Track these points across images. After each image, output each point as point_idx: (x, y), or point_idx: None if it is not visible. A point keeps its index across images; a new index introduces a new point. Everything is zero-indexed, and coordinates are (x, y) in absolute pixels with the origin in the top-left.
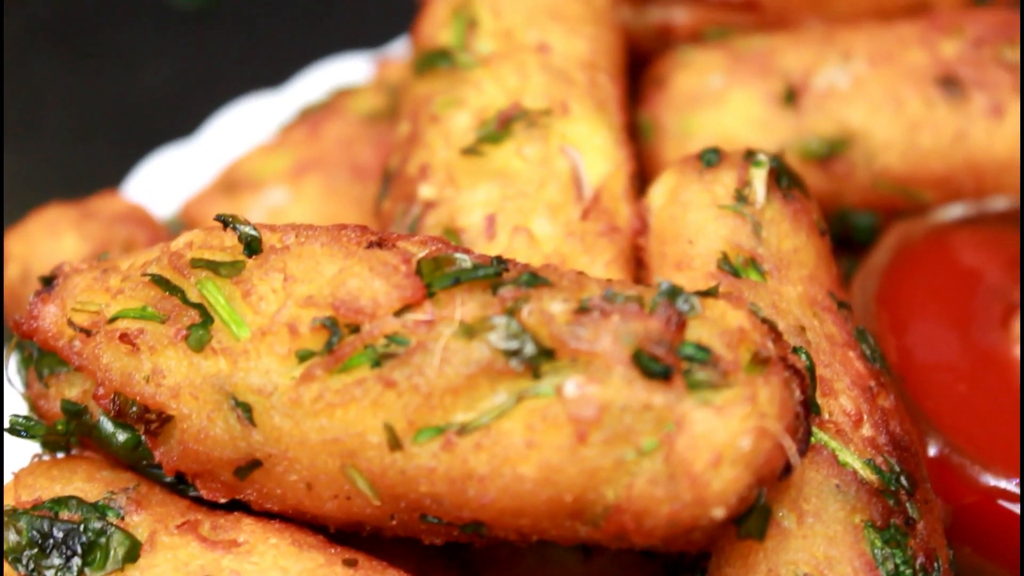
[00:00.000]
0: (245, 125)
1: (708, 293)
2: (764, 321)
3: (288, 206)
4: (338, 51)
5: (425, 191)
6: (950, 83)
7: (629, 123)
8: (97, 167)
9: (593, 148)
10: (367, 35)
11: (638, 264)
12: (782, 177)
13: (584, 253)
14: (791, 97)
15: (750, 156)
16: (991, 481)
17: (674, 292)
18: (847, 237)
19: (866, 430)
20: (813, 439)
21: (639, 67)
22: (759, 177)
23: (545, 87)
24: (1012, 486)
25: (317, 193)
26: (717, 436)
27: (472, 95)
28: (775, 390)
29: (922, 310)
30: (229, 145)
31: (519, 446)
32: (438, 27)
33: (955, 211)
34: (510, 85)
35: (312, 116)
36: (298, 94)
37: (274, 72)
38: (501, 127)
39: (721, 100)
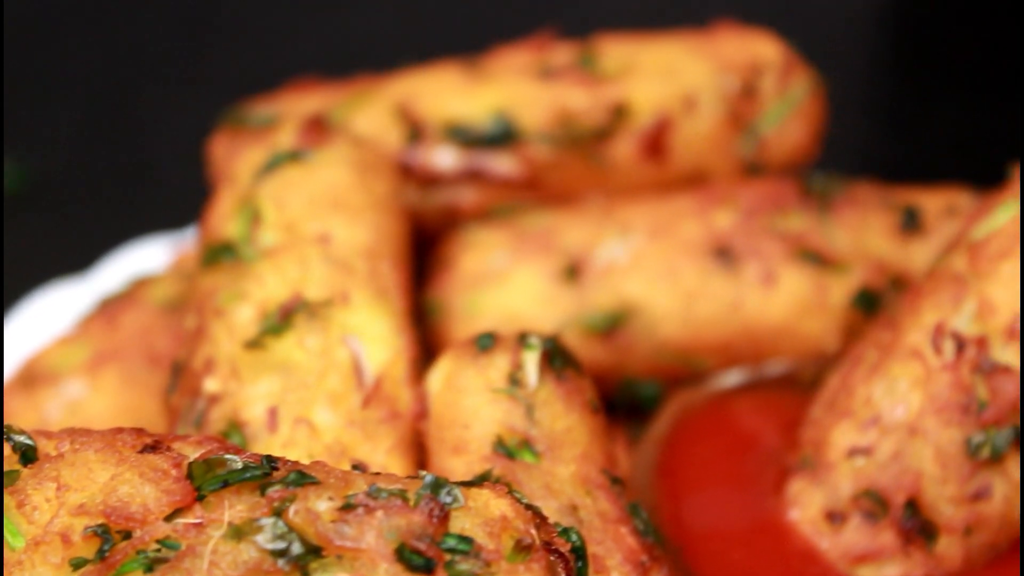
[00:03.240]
0: (46, 314)
1: (473, 483)
2: (528, 507)
3: (87, 399)
4: (150, 231)
5: (210, 385)
6: (724, 253)
7: (414, 307)
8: None
9: (373, 336)
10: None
11: (421, 449)
12: (555, 358)
13: (365, 441)
14: (573, 273)
15: (523, 339)
16: None
17: (438, 484)
18: (635, 407)
19: None
20: None
21: (428, 247)
22: (531, 360)
23: (326, 278)
24: None
25: (116, 384)
26: None
27: (255, 288)
28: None
29: (700, 478)
30: (29, 337)
31: None
32: (224, 220)
33: (734, 377)
34: (291, 277)
35: (110, 306)
36: (101, 281)
37: (82, 256)
38: (282, 319)
39: (505, 278)
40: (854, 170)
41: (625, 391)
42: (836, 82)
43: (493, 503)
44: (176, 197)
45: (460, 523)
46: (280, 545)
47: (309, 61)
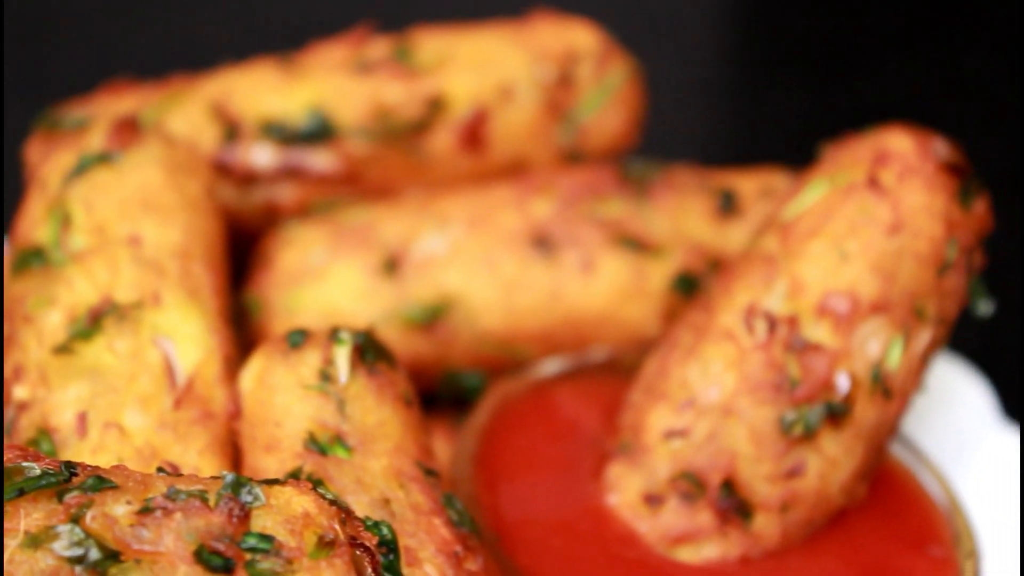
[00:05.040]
0: None
1: (276, 481)
2: (333, 503)
3: None
4: None
5: (19, 392)
6: (543, 242)
7: (228, 306)
8: None
9: (185, 336)
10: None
11: (236, 448)
12: (367, 352)
13: (177, 442)
14: (392, 266)
15: (334, 334)
16: None
17: (238, 483)
18: (458, 398)
19: None
20: None
21: (248, 246)
22: (342, 355)
23: (136, 280)
24: None
25: None
26: None
27: (63, 292)
28: (339, 572)
29: (519, 466)
30: None
31: None
32: (33, 225)
33: (555, 365)
34: (101, 280)
35: None
36: None
37: None
38: (91, 323)
39: (324, 274)
40: (679, 156)
41: (448, 383)
42: (663, 69)
43: (295, 500)
44: None
45: (262, 522)
46: (77, 552)
47: (124, 63)
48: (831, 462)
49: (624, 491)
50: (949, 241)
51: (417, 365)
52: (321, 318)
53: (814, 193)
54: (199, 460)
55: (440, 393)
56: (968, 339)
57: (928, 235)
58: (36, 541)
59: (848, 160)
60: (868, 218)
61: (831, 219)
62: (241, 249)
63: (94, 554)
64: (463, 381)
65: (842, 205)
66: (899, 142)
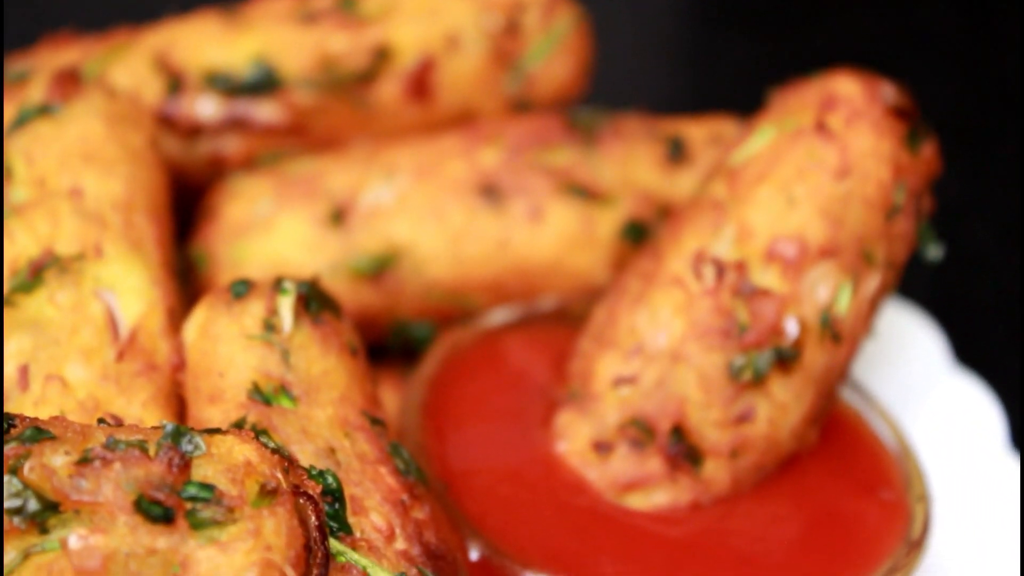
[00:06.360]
0: None
1: (217, 431)
2: (275, 451)
3: None
4: None
5: None
6: (490, 191)
7: (173, 258)
8: None
9: (128, 288)
10: None
11: (181, 401)
12: (312, 301)
13: (120, 395)
14: (338, 217)
15: (277, 284)
16: None
17: (178, 433)
18: (408, 349)
19: (399, 544)
20: (343, 559)
21: (194, 198)
22: (286, 305)
23: (78, 231)
24: None
25: None
26: (222, 573)
27: (4, 245)
28: (281, 520)
29: (469, 415)
30: None
31: None
32: None
33: (504, 315)
34: (42, 232)
35: None
36: None
37: None
38: (32, 276)
39: (270, 226)
40: (628, 105)
41: (397, 333)
42: (611, 17)
43: (237, 449)
44: None
45: (202, 471)
46: (15, 503)
47: (66, 16)
48: (781, 407)
49: (573, 439)
50: (897, 185)
51: (366, 316)
52: (268, 270)
53: (762, 139)
54: (143, 412)
55: (390, 344)
56: (920, 286)
57: (876, 179)
58: None
59: (796, 105)
60: (816, 163)
61: (779, 164)
62: (187, 202)
63: (32, 505)
64: (412, 332)
65: (790, 150)
66: (846, 86)
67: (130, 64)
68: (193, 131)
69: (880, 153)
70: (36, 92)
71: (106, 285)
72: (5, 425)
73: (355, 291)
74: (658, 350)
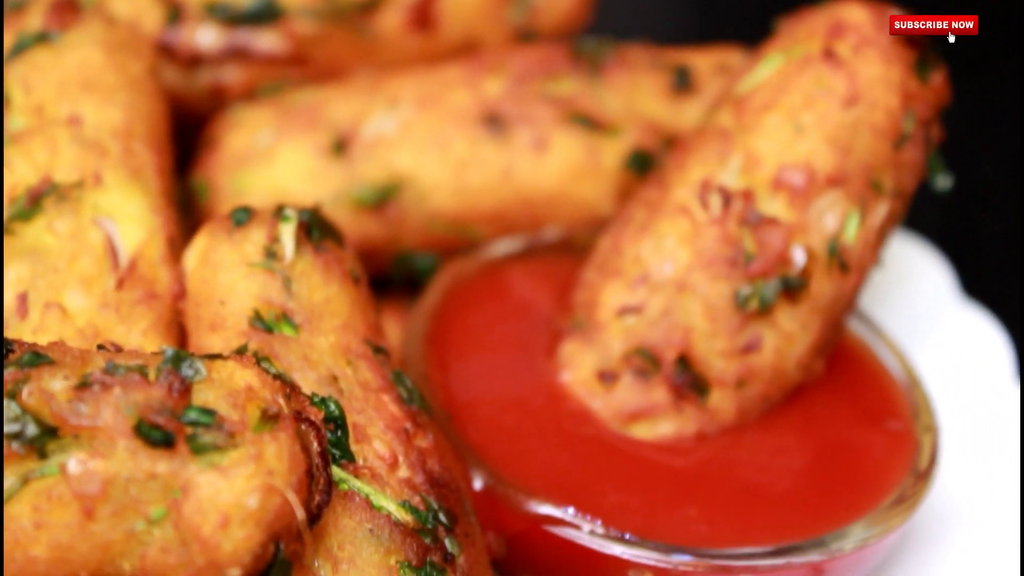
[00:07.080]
0: None
1: (218, 356)
2: (277, 377)
3: None
4: None
5: None
6: (494, 121)
7: (173, 187)
8: None
9: (127, 216)
10: None
11: (182, 329)
12: (313, 229)
13: (120, 323)
14: (340, 147)
15: (279, 212)
16: (537, 508)
17: (179, 358)
18: (412, 280)
19: (402, 472)
20: (345, 486)
21: (195, 130)
22: (287, 232)
23: (76, 159)
24: (557, 512)
25: None
26: (223, 498)
27: (3, 173)
28: (283, 446)
29: (472, 346)
30: None
31: (28, 528)
32: None
33: (508, 245)
34: (40, 161)
35: None
36: None
37: None
38: (31, 204)
39: (271, 156)
40: (633, 36)
41: (400, 264)
42: None
43: (238, 374)
44: None
45: (203, 396)
46: (14, 428)
47: None
48: (787, 337)
49: (578, 368)
50: (906, 113)
51: (368, 247)
52: (269, 200)
53: (769, 66)
54: (143, 340)
55: (393, 275)
56: (928, 219)
57: (885, 107)
58: None
59: (803, 33)
60: (823, 90)
61: (786, 92)
62: (188, 133)
63: (31, 430)
64: (415, 262)
65: (797, 78)
66: (855, 13)
67: None
68: (193, 61)
69: (889, 80)
70: (34, 20)
71: (105, 213)
72: (4, 350)
73: (357, 222)
74: (664, 279)
